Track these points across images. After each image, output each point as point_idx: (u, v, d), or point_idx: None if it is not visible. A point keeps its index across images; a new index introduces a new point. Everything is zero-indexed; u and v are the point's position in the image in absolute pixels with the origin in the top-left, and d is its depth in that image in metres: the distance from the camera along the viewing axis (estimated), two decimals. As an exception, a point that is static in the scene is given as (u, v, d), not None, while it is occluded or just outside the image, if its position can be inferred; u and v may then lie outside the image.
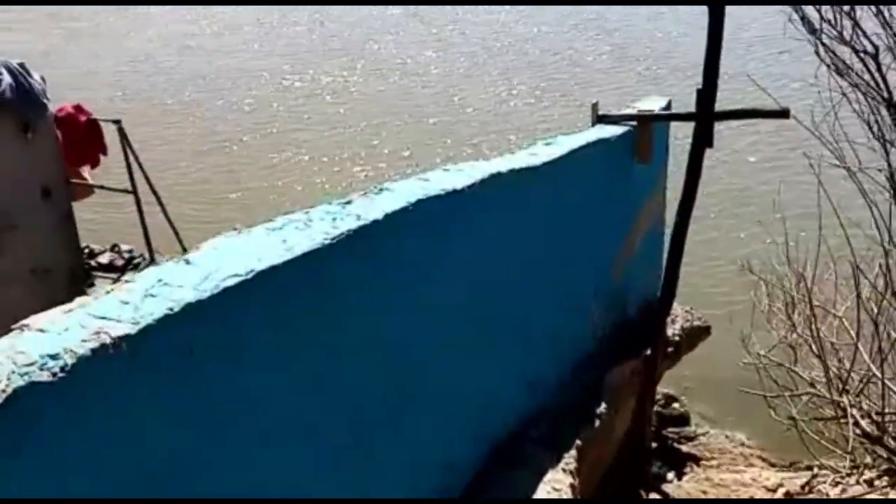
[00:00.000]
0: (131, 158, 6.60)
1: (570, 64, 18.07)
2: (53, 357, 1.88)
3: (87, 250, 6.96)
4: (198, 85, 17.22)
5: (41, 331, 2.01)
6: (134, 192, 6.71)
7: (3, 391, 1.75)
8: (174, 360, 2.16)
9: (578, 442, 4.32)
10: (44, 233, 5.73)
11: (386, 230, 2.93)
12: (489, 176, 3.61)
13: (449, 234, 3.43)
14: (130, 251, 7.18)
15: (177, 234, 7.09)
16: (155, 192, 6.84)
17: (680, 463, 5.82)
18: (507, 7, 22.29)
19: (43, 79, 5.65)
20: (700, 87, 5.09)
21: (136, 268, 6.97)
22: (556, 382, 4.68)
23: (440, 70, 18.16)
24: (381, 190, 3.23)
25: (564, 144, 4.48)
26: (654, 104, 5.82)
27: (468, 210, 3.49)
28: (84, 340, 1.95)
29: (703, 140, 5.22)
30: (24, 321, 2.07)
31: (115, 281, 6.70)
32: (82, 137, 6.49)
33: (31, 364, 1.85)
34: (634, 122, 5.39)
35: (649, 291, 6.04)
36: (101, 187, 6.80)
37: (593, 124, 5.25)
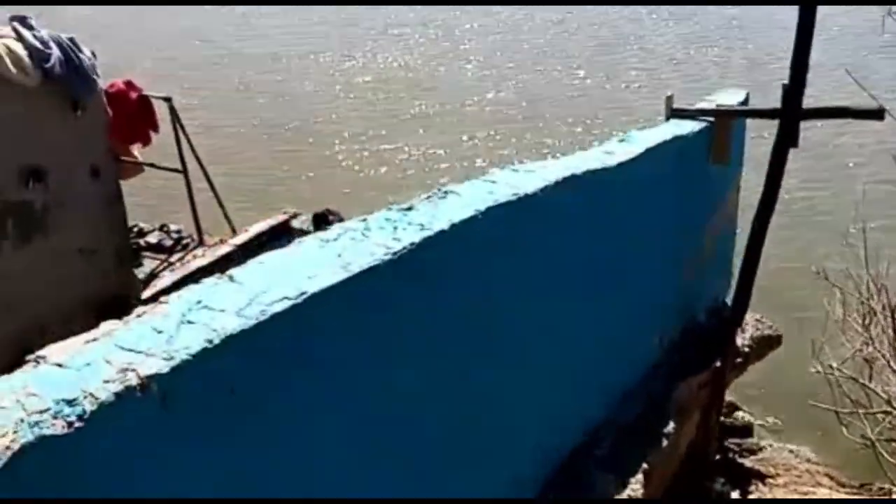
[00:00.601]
0: (182, 137, 6.34)
1: (640, 49, 17.12)
2: (70, 402, 1.56)
3: (135, 229, 6.73)
4: (255, 66, 16.68)
5: (59, 365, 1.70)
6: (184, 171, 6.46)
7: (9, 448, 1.44)
8: (212, 401, 1.84)
9: (645, 466, 3.94)
10: (92, 212, 5.49)
11: (452, 241, 2.57)
12: (563, 178, 3.22)
13: (519, 242, 3.06)
14: (179, 231, 6.94)
15: (226, 215, 6.84)
16: (205, 172, 6.58)
17: (743, 479, 5.41)
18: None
19: (94, 54, 5.37)
20: (787, 82, 4.62)
21: (185, 248, 6.73)
22: (621, 394, 4.30)
23: (504, 55, 17.24)
24: (445, 194, 2.86)
25: (640, 141, 4.07)
26: (732, 98, 5.34)
27: (540, 216, 3.11)
28: (107, 381, 1.64)
29: (787, 139, 4.74)
30: (41, 352, 1.77)
31: (163, 262, 6.48)
32: (133, 114, 6.24)
33: (44, 411, 1.54)
34: (711, 118, 4.94)
35: (718, 295, 5.61)
36: (151, 165, 6.56)
37: (667, 118, 4.80)
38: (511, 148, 12.16)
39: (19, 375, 1.65)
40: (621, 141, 4.01)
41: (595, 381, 4.02)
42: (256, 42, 18.32)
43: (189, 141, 6.33)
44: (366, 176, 11.51)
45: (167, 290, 6.16)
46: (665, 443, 4.26)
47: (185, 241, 6.83)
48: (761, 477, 5.50)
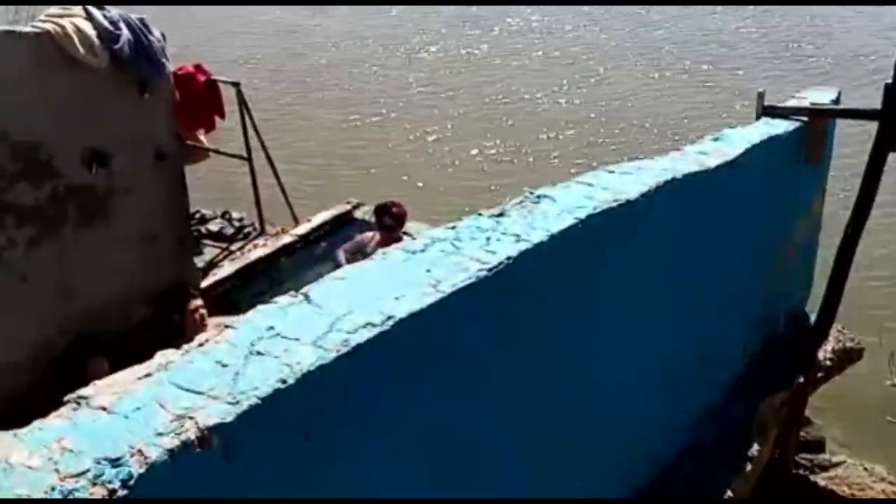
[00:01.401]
0: (248, 123, 6.02)
1: (721, 46, 15.82)
2: (115, 462, 1.21)
3: (197, 216, 6.44)
4: (327, 54, 15.87)
5: (104, 409, 1.35)
6: (249, 158, 6.15)
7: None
8: (283, 449, 1.48)
9: (729, 493, 3.51)
10: (155, 198, 5.20)
11: (550, 253, 2.17)
12: (664, 182, 2.79)
13: (618, 251, 2.65)
14: (241, 220, 6.63)
15: (289, 204, 6.51)
16: (270, 160, 6.26)
17: (818, 500, 4.94)
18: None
19: (163, 36, 5.06)
20: (890, 81, 4.11)
21: (246, 237, 6.43)
22: (705, 410, 3.87)
23: (581, 48, 16.08)
24: (538, 198, 2.46)
25: (734, 141, 3.61)
26: (823, 96, 4.81)
27: (639, 223, 2.69)
28: (160, 433, 1.29)
29: (887, 142, 4.23)
30: (84, 391, 1.42)
31: (224, 251, 6.18)
32: (200, 98, 5.94)
33: (82, 474, 1.19)
34: (804, 117, 4.43)
35: (798, 302, 5.11)
36: (216, 151, 6.26)
37: (758, 116, 4.32)
38: (590, 148, 11.29)
39: (56, 423, 1.31)
40: (715, 140, 3.55)
41: (682, 397, 3.60)
42: (330, 34, 17.41)
43: (255, 128, 6.01)
44: (433, 172, 10.74)
45: (226, 280, 5.87)
46: (749, 467, 3.82)
47: (246, 230, 6.52)
48: (836, 498, 5.02)
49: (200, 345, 1.57)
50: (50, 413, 1.32)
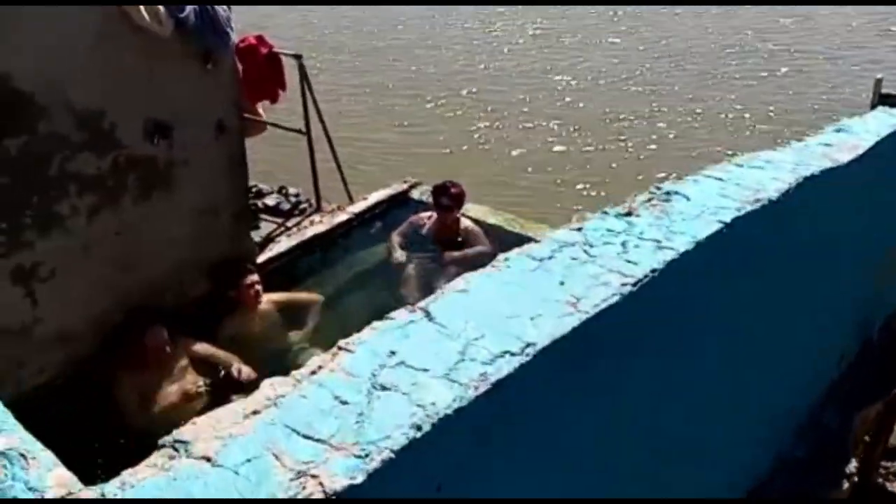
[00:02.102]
0: (308, 97, 5.72)
1: (811, 32, 14.33)
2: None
3: (254, 189, 6.18)
4: (392, 32, 15.03)
5: (207, 460, 1.07)
6: (307, 133, 5.86)
7: None
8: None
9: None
10: (215, 171, 4.95)
11: (697, 263, 1.84)
12: (803, 178, 2.43)
13: (761, 256, 2.30)
14: (297, 195, 6.38)
15: (345, 182, 6.23)
16: (328, 136, 5.97)
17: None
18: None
19: (229, 6, 4.76)
20: None
21: (302, 213, 6.17)
22: (798, 420, 3.52)
23: (662, 34, 14.55)
24: (668, 194, 2.12)
25: (860, 133, 3.20)
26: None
27: (779, 223, 2.34)
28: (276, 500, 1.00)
29: None
30: (183, 433, 1.14)
31: (280, 226, 5.93)
32: (261, 71, 5.66)
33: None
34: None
35: (891, 306, 4.70)
36: (275, 125, 5.98)
37: (873, 106, 3.90)
38: (689, 140, 10.28)
39: (150, 479, 1.02)
40: (838, 131, 3.15)
41: (783, 408, 3.26)
42: (395, 13, 16.42)
43: (315, 102, 5.71)
44: (494, 154, 10.08)
45: (282, 256, 5.63)
46: (846, 484, 3.47)
47: (302, 206, 6.26)
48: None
49: (313, 372, 1.27)
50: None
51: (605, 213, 1.95)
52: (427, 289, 5.39)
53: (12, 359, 4.15)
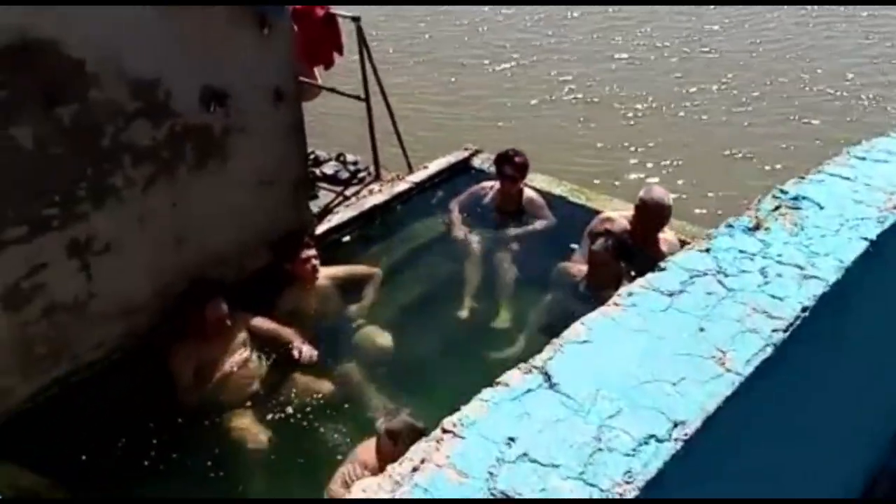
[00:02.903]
0: (367, 62, 5.38)
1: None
2: None
3: (312, 157, 5.90)
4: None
5: None
6: (366, 99, 5.54)
7: None
8: None
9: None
10: (272, 140, 4.68)
11: (848, 294, 1.49)
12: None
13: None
14: (356, 163, 6.08)
15: (404, 150, 5.91)
16: (387, 103, 5.63)
17: None
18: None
19: (282, -30, 4.43)
20: None
21: (361, 182, 5.88)
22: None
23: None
24: (794, 199, 1.76)
25: None
26: None
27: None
28: None
29: None
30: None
31: (339, 195, 5.67)
32: (318, 33, 5.33)
33: None
34: None
35: None
36: (332, 90, 5.67)
37: None
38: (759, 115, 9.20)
39: None
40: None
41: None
42: None
43: (374, 67, 5.37)
44: (560, 126, 9.22)
45: (341, 227, 5.37)
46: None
47: (361, 175, 5.97)
48: None
49: (414, 468, 0.97)
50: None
51: (731, 226, 1.60)
52: (488, 263, 5.10)
53: (68, 333, 3.99)
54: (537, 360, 1.17)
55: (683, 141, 8.75)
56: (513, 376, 1.15)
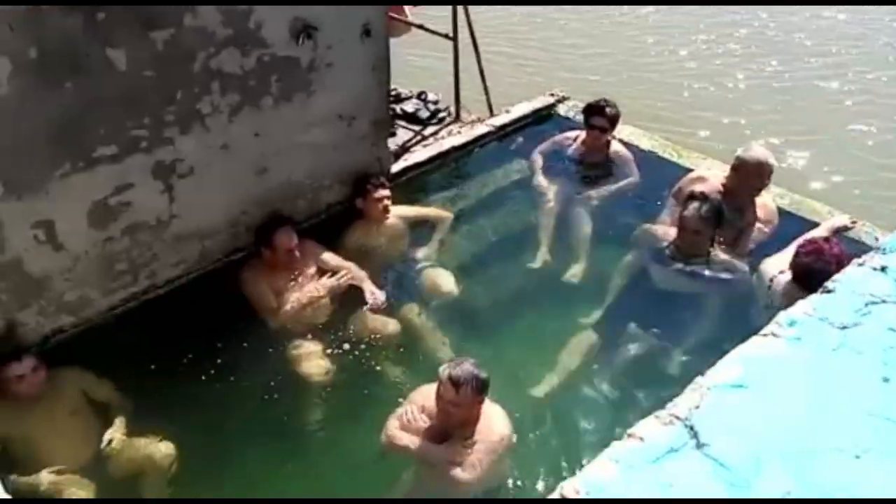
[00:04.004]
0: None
1: None
2: None
3: (392, 93, 5.66)
4: None
5: None
6: (454, 37, 5.23)
7: None
8: None
9: None
10: (358, 75, 4.46)
11: None
12: None
13: None
14: (437, 103, 5.79)
15: (487, 92, 5.61)
16: (475, 43, 5.33)
17: None
18: None
19: None
20: None
21: (441, 122, 5.63)
22: None
23: None
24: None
25: None
26: None
27: None
28: None
29: None
30: None
31: (417, 134, 5.44)
32: (409, -32, 5.01)
33: None
34: None
35: None
36: (420, 27, 5.37)
37: None
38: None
39: None
40: None
41: None
42: None
43: (466, 6, 5.04)
44: (660, 83, 8.21)
45: (417, 167, 5.17)
46: None
47: (441, 115, 5.70)
48: None
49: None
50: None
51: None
52: (566, 216, 4.85)
53: (148, 252, 3.96)
54: (680, 407, 0.96)
55: (798, 105, 7.91)
56: (649, 428, 0.94)
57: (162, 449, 3.46)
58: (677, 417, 0.95)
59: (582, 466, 3.24)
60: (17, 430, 3.41)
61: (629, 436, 0.94)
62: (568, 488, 0.88)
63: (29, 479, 3.31)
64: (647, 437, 0.94)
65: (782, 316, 1.12)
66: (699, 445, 0.91)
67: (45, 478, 3.33)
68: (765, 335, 1.07)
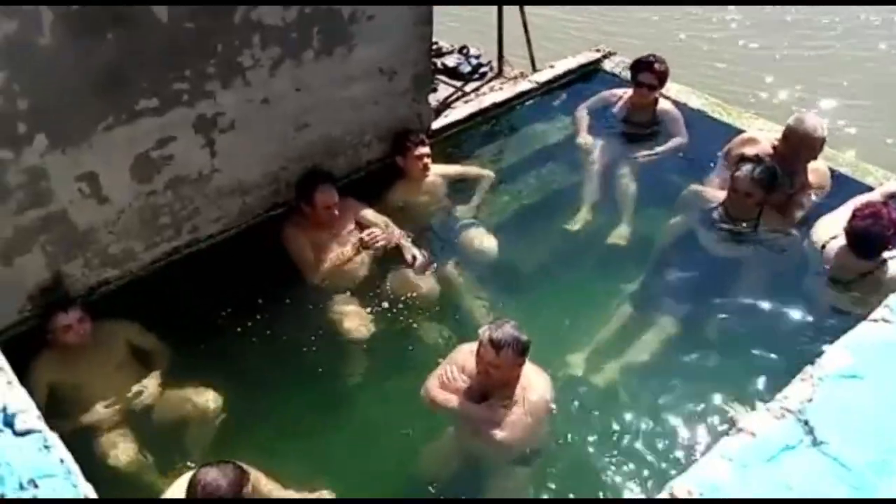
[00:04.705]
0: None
1: None
2: None
3: (434, 47, 5.49)
4: None
5: None
6: (497, -11, 5.05)
7: None
8: None
9: None
10: (400, 29, 4.32)
11: None
12: None
13: None
14: (479, 57, 5.62)
15: (530, 47, 5.44)
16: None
17: None
18: None
19: None
20: None
21: (482, 77, 5.47)
22: None
23: None
24: None
25: None
26: None
27: None
28: None
29: None
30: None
31: (458, 90, 5.30)
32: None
33: None
34: None
35: None
36: (464, -22, 5.19)
37: None
38: None
39: None
40: None
41: None
42: None
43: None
44: (714, 41, 7.80)
45: (458, 124, 5.05)
46: None
47: (483, 70, 5.54)
48: None
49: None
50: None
51: None
52: (610, 176, 4.71)
53: (190, 206, 3.94)
54: (791, 399, 0.87)
55: (858, 69, 7.39)
56: (761, 422, 0.86)
57: (206, 399, 3.49)
58: (789, 411, 0.87)
59: (615, 432, 3.18)
60: (66, 380, 3.47)
61: (739, 430, 0.86)
62: (679, 488, 0.81)
63: (82, 416, 3.40)
64: (759, 432, 0.86)
65: (893, 299, 1.02)
66: (816, 443, 0.83)
67: (100, 410, 3.43)
68: (875, 321, 0.97)
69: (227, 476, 2.65)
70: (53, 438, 1.20)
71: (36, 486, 1.10)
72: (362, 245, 4.11)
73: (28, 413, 1.24)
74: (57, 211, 3.47)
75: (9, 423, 1.21)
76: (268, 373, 3.74)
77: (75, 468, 1.16)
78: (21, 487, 1.10)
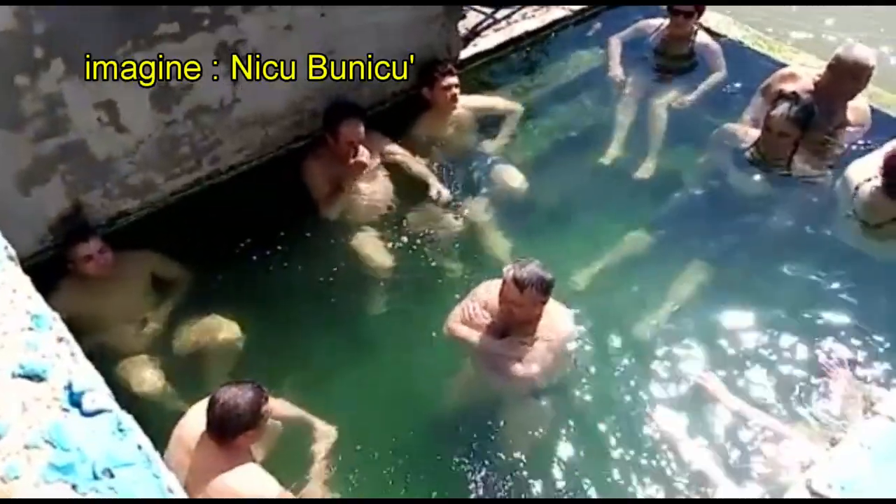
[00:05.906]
0: None
1: None
2: None
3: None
4: None
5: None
6: None
7: None
8: None
9: None
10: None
11: None
12: None
13: None
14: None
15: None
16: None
17: None
18: None
19: None
20: None
21: (513, 4, 5.21)
22: None
23: None
24: None
25: None
26: None
27: None
28: None
29: None
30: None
31: (488, 17, 5.07)
32: None
33: None
34: None
35: None
36: None
37: None
38: None
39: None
40: None
41: None
42: None
43: None
44: None
45: (487, 54, 4.86)
46: None
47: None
48: None
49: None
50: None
51: None
52: (642, 111, 4.55)
53: (211, 136, 3.86)
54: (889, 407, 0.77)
55: None
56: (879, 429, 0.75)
57: (226, 329, 3.50)
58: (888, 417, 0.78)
59: (638, 371, 3.10)
60: (88, 309, 3.48)
61: (873, 411, 0.77)
62: (818, 482, 0.73)
63: (106, 336, 3.46)
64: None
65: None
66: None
67: (128, 331, 3.50)
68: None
69: (247, 394, 2.67)
70: (129, 420, 1.09)
71: (112, 476, 1.00)
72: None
73: (97, 391, 1.12)
74: (75, 140, 3.42)
75: (76, 402, 1.09)
76: (288, 305, 3.73)
77: (155, 455, 1.05)
78: (95, 477, 1.00)
